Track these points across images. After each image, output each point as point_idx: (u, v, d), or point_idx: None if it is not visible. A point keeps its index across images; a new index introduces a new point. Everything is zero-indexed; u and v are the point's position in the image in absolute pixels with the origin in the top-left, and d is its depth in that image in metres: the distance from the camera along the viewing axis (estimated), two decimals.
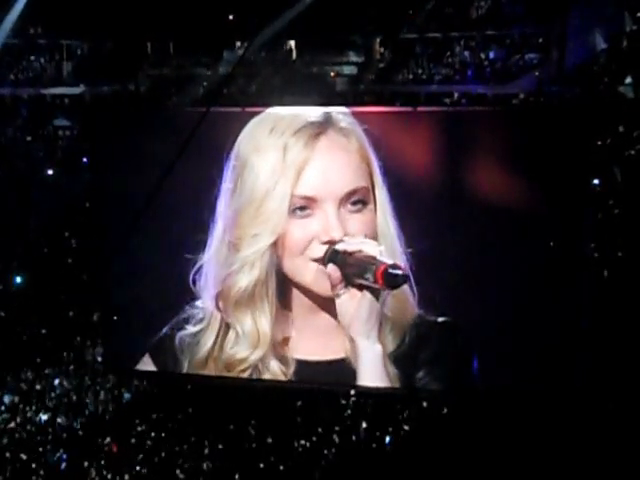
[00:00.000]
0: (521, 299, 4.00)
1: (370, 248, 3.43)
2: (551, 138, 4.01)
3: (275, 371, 3.81)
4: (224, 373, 3.81)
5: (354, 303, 3.43)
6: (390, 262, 3.32)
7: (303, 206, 3.53)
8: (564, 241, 3.98)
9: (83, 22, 9.74)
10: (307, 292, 3.64)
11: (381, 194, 3.61)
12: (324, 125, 3.61)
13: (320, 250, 3.52)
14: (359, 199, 3.55)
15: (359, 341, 3.46)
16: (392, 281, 3.30)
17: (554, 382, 4.11)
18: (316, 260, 3.54)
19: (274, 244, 3.56)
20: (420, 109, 4.23)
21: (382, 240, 3.57)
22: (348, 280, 3.44)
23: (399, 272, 3.30)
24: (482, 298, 3.97)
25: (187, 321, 3.86)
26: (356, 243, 3.44)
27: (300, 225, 3.54)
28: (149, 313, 4.19)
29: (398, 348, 3.70)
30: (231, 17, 9.15)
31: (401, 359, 3.72)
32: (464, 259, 3.99)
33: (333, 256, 3.45)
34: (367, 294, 3.40)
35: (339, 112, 3.72)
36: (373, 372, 3.55)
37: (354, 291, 3.42)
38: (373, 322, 3.44)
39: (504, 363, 3.98)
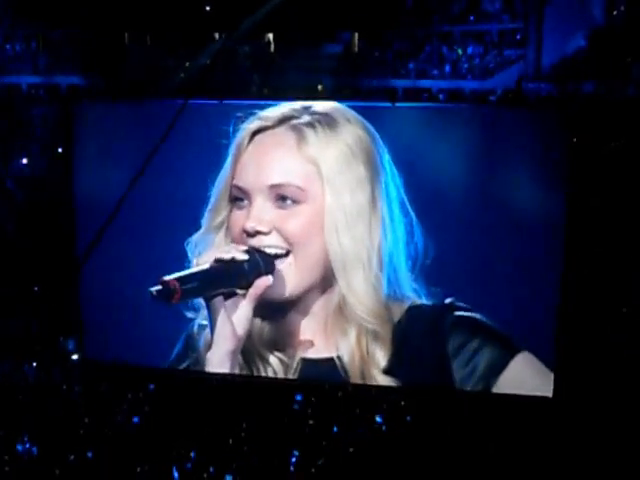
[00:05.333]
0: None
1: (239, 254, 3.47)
2: (529, 134, 4.04)
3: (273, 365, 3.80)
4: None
5: None
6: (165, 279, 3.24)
7: (240, 197, 3.62)
8: (545, 236, 4.00)
9: (60, 11, 9.66)
10: None
11: (333, 199, 3.55)
12: (280, 120, 3.65)
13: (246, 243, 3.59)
14: (287, 196, 3.55)
15: None
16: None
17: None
18: None
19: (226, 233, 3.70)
20: (398, 104, 4.22)
21: (331, 252, 3.54)
22: None
23: (155, 289, 3.19)
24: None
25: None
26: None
27: (237, 216, 3.63)
28: (127, 305, 4.18)
29: (393, 355, 3.69)
30: (208, 8, 9.11)
31: (401, 362, 3.71)
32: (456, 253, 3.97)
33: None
34: None
35: (309, 108, 3.70)
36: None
37: None
38: None
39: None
